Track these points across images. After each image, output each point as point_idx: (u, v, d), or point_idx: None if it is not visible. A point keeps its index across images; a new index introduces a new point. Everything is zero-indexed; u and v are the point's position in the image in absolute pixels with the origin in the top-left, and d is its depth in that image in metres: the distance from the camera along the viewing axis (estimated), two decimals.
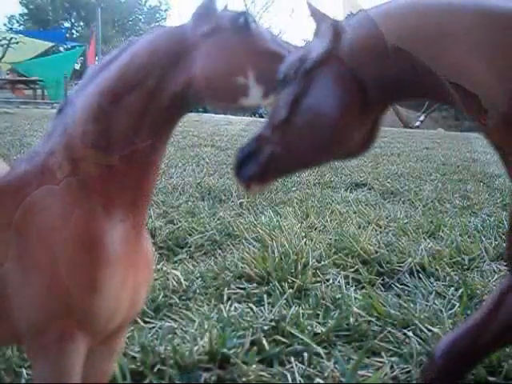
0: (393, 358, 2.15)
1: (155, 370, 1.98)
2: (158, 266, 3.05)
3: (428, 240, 3.69)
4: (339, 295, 2.70)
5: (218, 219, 4.04)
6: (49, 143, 1.33)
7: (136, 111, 1.28)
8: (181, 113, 1.34)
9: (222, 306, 2.55)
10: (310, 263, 3.06)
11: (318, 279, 2.92)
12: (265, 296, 2.64)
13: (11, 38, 21.12)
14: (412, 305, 2.59)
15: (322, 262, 3.14)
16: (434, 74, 1.15)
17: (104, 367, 1.49)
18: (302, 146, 1.24)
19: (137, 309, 1.43)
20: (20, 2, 43.36)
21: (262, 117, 16.14)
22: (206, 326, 2.26)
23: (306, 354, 2.13)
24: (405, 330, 2.35)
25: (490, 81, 1.11)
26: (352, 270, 3.12)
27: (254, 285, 2.83)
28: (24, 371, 1.92)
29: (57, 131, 1.33)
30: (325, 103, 1.20)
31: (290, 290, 2.70)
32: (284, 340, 2.22)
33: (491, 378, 2.02)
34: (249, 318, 2.38)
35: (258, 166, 1.27)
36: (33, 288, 1.23)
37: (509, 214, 1.33)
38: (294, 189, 5.46)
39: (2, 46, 20.87)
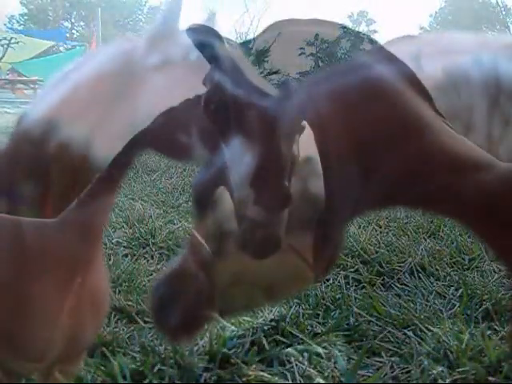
0: (393, 358, 2.15)
1: (155, 370, 1.98)
2: (158, 266, 3.04)
3: (428, 240, 3.68)
4: (339, 295, 2.70)
5: None
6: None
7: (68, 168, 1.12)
8: (121, 171, 1.17)
9: None
10: None
11: (318, 279, 2.91)
12: None
13: (11, 38, 21.08)
14: (412, 305, 2.59)
15: None
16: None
17: None
18: (238, 293, 1.00)
19: (79, 344, 1.38)
20: (20, 2, 43.39)
21: None
22: (205, 326, 2.26)
23: (306, 354, 2.13)
24: (405, 330, 2.35)
25: None
26: (352, 270, 3.12)
27: None
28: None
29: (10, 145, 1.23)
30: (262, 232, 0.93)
31: None
32: (284, 340, 2.22)
33: (491, 378, 2.01)
34: (249, 318, 2.38)
35: (183, 314, 1.02)
36: None
37: None
38: None
39: (2, 46, 20.85)
